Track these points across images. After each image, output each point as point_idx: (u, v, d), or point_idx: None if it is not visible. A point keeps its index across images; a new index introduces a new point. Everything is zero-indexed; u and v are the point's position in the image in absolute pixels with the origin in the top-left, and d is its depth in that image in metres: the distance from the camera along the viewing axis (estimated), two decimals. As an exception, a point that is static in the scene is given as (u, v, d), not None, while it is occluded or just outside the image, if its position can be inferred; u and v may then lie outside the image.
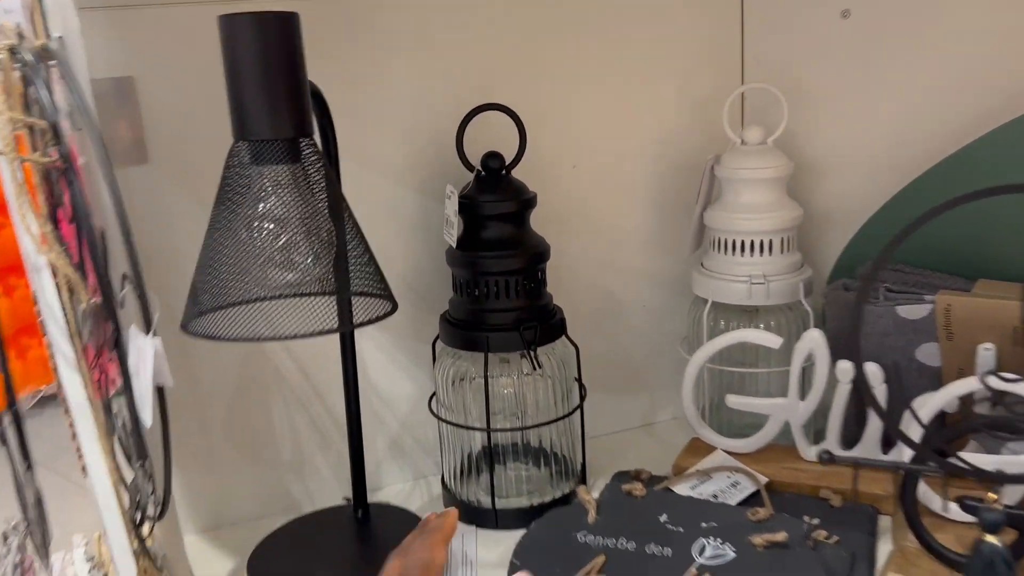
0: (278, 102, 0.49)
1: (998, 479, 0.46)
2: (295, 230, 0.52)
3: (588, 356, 0.78)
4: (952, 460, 0.47)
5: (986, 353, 0.61)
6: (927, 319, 0.64)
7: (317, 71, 0.59)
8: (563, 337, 0.71)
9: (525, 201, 0.67)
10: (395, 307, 0.55)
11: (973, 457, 0.57)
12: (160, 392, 0.47)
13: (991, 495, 0.43)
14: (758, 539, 0.58)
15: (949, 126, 0.70)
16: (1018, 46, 0.66)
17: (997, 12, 0.67)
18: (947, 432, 0.55)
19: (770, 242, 0.74)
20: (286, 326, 0.50)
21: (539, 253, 0.68)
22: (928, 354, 0.65)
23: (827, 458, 0.52)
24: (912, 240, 0.71)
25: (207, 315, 0.51)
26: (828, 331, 0.70)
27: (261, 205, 0.51)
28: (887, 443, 0.66)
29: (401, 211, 0.72)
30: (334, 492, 0.73)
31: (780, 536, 0.58)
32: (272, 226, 0.52)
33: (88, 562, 0.65)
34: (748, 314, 0.76)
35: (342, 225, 0.54)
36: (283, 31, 0.48)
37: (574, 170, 0.78)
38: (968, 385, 0.58)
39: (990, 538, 0.42)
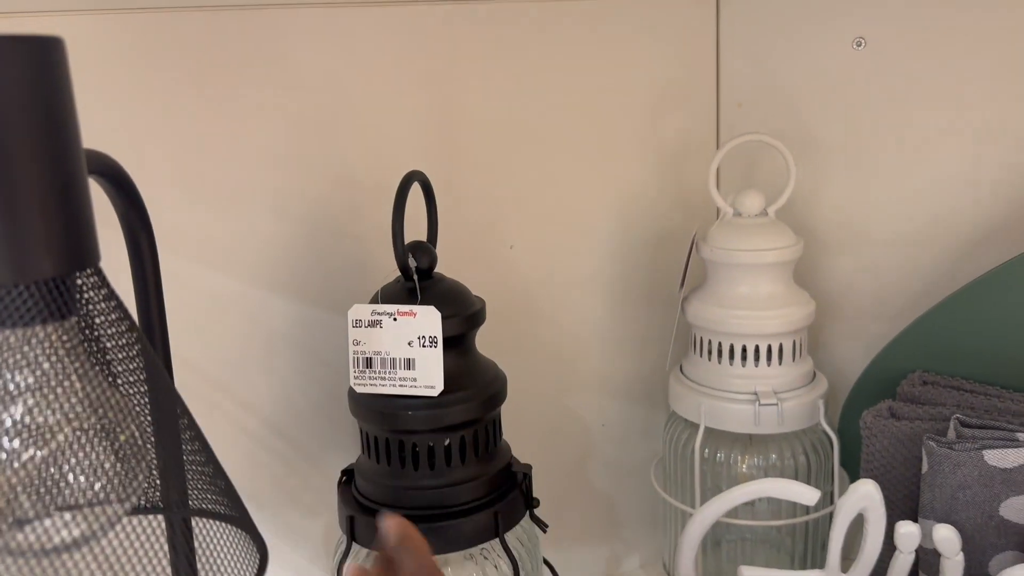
0: (22, 213, 0.24)
1: None
2: (70, 432, 0.27)
3: (538, 493, 0.57)
4: None
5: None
6: (1017, 470, 0.46)
7: (129, 124, 0.35)
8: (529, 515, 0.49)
9: (471, 316, 0.45)
10: (264, 557, 0.31)
11: None
12: None
13: None
14: None
15: (1000, 191, 0.54)
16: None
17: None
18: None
19: (780, 347, 0.55)
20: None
21: (494, 395, 0.46)
22: (1017, 510, 0.48)
23: None
24: (971, 345, 0.54)
25: None
26: (867, 474, 0.52)
27: (6, 412, 0.26)
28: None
29: (267, 330, 0.49)
30: None
31: None
32: (25, 435, 0.27)
33: None
34: (742, 440, 0.57)
35: (169, 409, 0.30)
36: (32, 71, 0.24)
37: (511, 251, 0.57)
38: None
39: None
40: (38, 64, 0.25)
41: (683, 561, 0.53)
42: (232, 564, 0.31)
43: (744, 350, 0.55)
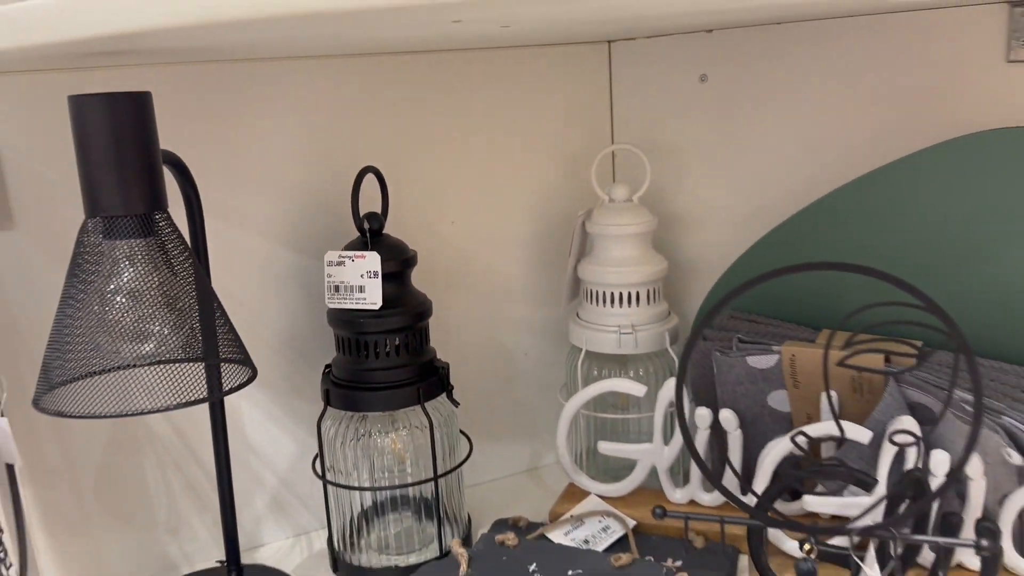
0: (129, 179, 0.50)
1: (808, 530, 0.50)
2: (150, 302, 0.52)
3: (475, 403, 0.81)
4: (773, 512, 0.51)
5: (827, 402, 0.65)
6: (775, 368, 0.68)
7: (193, 134, 0.60)
8: (445, 395, 0.73)
9: (405, 260, 0.69)
10: (254, 373, 0.56)
11: (819, 500, 0.61)
12: (9, 469, 0.47)
13: (806, 546, 0.46)
14: (617, 586, 0.61)
15: (795, 187, 0.75)
16: (850, 118, 0.71)
17: (835, 84, 0.72)
18: (778, 485, 0.59)
19: (637, 294, 0.77)
20: (140, 399, 0.50)
21: (421, 312, 0.70)
22: (779, 400, 0.69)
23: (660, 514, 0.55)
24: (764, 292, 0.75)
25: (59, 389, 0.51)
26: (690, 379, 0.74)
27: (115, 279, 0.51)
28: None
29: (277, 271, 0.73)
30: (211, 553, 0.73)
31: (637, 582, 0.60)
32: (125, 300, 0.52)
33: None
34: (619, 362, 0.80)
35: (204, 295, 0.55)
36: (134, 110, 0.49)
37: (453, 226, 0.81)
38: (781, 449, 0.63)
39: (804, 583, 0.45)
40: (141, 105, 0.50)
41: (559, 435, 0.76)
42: (234, 380, 0.56)
43: (613, 296, 0.78)
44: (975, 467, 0.58)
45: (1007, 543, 0.58)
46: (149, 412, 0.49)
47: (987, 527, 0.52)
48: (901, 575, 0.52)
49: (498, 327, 0.85)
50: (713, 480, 0.52)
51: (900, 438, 0.58)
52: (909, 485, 0.53)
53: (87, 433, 0.68)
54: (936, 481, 0.59)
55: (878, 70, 0.69)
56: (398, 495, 0.76)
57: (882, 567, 0.55)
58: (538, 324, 0.86)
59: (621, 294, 0.77)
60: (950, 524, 0.58)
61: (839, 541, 0.60)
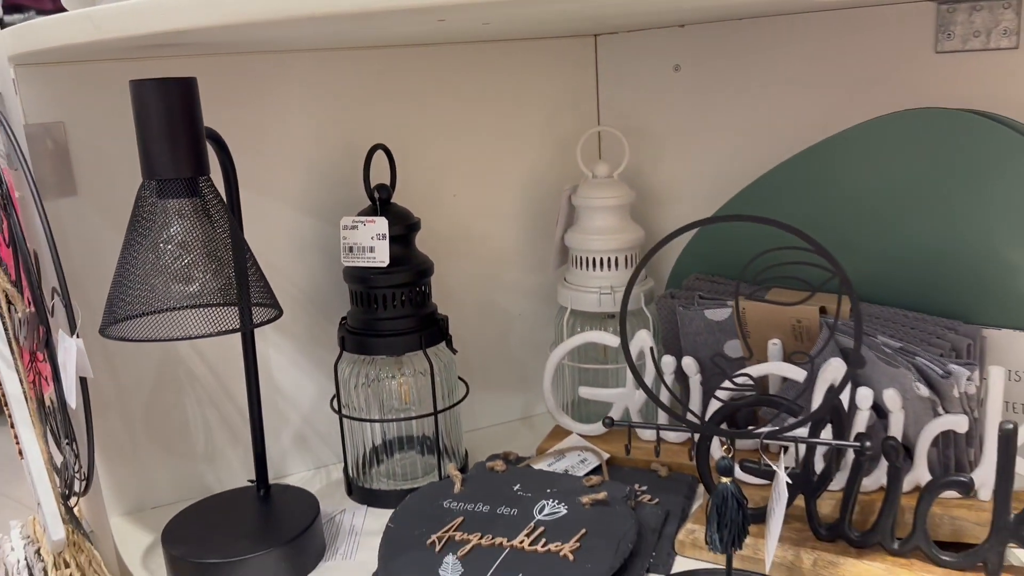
0: (178, 148, 0.61)
1: (725, 433, 0.60)
2: (195, 252, 0.63)
3: (474, 358, 0.91)
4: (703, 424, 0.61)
5: (773, 347, 0.75)
6: (728, 320, 0.78)
7: (228, 115, 0.71)
8: (445, 344, 0.83)
9: (410, 225, 0.80)
10: (280, 313, 0.66)
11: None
12: (83, 382, 0.59)
13: (725, 449, 0.56)
14: (586, 499, 0.71)
15: (754, 163, 0.85)
16: (801, 102, 0.81)
17: (789, 72, 0.82)
18: (721, 411, 0.68)
19: (616, 259, 0.87)
20: (189, 329, 0.61)
21: (424, 270, 0.80)
22: (733, 348, 0.79)
23: (608, 423, 0.65)
24: (723, 258, 0.85)
25: (122, 323, 0.62)
26: (660, 332, 0.84)
27: (165, 232, 0.62)
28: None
29: (300, 235, 0.84)
30: (243, 480, 0.84)
31: (602, 496, 0.71)
32: (174, 249, 0.63)
33: (24, 539, 0.75)
34: (601, 319, 0.90)
35: (239, 247, 0.66)
36: (182, 92, 0.60)
37: (455, 199, 0.91)
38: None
39: (724, 479, 0.55)
40: (188, 88, 0.61)
41: (545, 380, 0.86)
42: (262, 318, 0.67)
43: (595, 261, 0.88)
44: (893, 400, 0.68)
45: (922, 464, 0.68)
46: (193, 337, 0.60)
47: (891, 445, 0.62)
48: (806, 482, 0.62)
49: (494, 289, 0.95)
50: (654, 399, 0.62)
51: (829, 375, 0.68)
52: (830, 411, 0.63)
53: (136, 373, 0.80)
54: (862, 413, 0.69)
55: (825, 60, 0.79)
56: (404, 435, 0.87)
57: (806, 483, 0.65)
58: (530, 287, 0.97)
59: (602, 259, 0.87)
60: (889, 448, 0.67)
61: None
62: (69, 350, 0.57)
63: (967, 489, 0.61)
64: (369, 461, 0.85)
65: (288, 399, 0.87)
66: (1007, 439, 0.58)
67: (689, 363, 0.79)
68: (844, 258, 0.74)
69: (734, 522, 0.54)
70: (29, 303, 0.62)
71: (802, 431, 0.59)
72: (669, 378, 0.80)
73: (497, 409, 0.98)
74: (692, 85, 0.89)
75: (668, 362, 0.80)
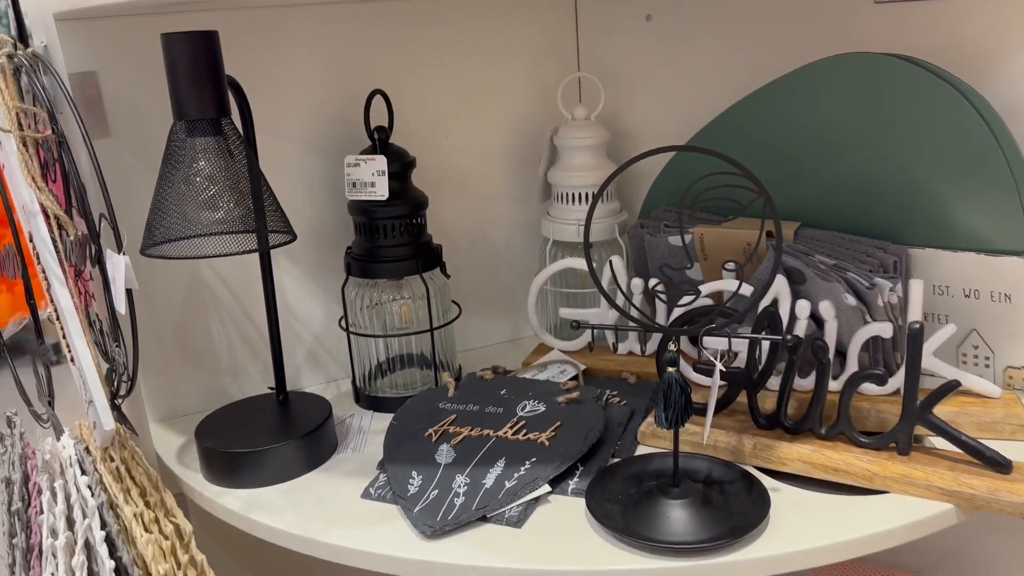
0: (204, 92, 0.70)
1: (669, 331, 0.70)
2: (220, 184, 0.73)
3: (467, 285, 1.01)
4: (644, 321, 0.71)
5: (728, 269, 0.85)
6: (690, 245, 0.88)
7: (244, 64, 0.80)
8: (439, 269, 0.93)
9: (406, 163, 0.90)
10: (294, 237, 0.76)
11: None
12: (129, 293, 0.69)
13: (672, 346, 0.67)
14: (562, 398, 0.82)
15: (716, 104, 0.94)
16: (757, 49, 0.90)
17: (746, 22, 0.90)
18: (687, 320, 0.79)
19: (593, 194, 0.97)
20: (216, 250, 0.72)
21: (419, 203, 0.90)
22: (695, 271, 0.89)
23: (575, 326, 0.76)
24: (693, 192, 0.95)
25: (160, 245, 0.72)
26: (632, 258, 0.94)
27: (195, 165, 0.72)
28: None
29: (308, 173, 0.94)
30: (263, 390, 0.95)
31: (576, 396, 0.82)
32: (202, 181, 0.73)
33: (74, 440, 0.86)
34: (580, 248, 1.00)
35: (256, 180, 0.76)
36: (207, 43, 0.69)
37: (447, 140, 1.01)
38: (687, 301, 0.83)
39: (671, 369, 0.65)
40: (211, 39, 0.70)
41: (529, 301, 0.97)
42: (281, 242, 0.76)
43: (574, 195, 0.98)
44: (827, 310, 0.78)
45: (853, 366, 0.78)
46: (220, 255, 0.70)
47: (819, 345, 0.72)
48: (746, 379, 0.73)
49: (484, 223, 1.05)
50: (619, 309, 0.72)
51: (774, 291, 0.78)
52: (766, 318, 0.73)
53: (166, 297, 0.90)
54: (800, 322, 0.79)
55: (778, 10, 0.88)
56: (404, 352, 0.97)
57: (747, 380, 0.76)
58: (516, 221, 1.06)
59: (581, 194, 0.97)
60: (817, 347, 0.77)
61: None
62: (117, 265, 0.67)
63: (881, 380, 0.71)
64: (374, 375, 0.96)
65: (301, 320, 0.97)
66: (915, 336, 0.68)
67: (658, 287, 0.89)
68: (790, 187, 0.84)
69: (678, 403, 0.65)
70: (80, 227, 0.72)
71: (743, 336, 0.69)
72: (638, 299, 0.91)
73: (488, 331, 1.09)
74: (661, 34, 0.98)
75: (637, 284, 0.90)
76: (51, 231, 0.74)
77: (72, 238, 0.71)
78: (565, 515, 0.70)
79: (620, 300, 0.88)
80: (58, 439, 0.80)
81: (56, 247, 0.74)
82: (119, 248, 0.67)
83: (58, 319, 0.77)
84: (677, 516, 0.66)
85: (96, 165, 0.67)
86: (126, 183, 0.85)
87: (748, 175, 0.60)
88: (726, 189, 0.63)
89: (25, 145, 0.72)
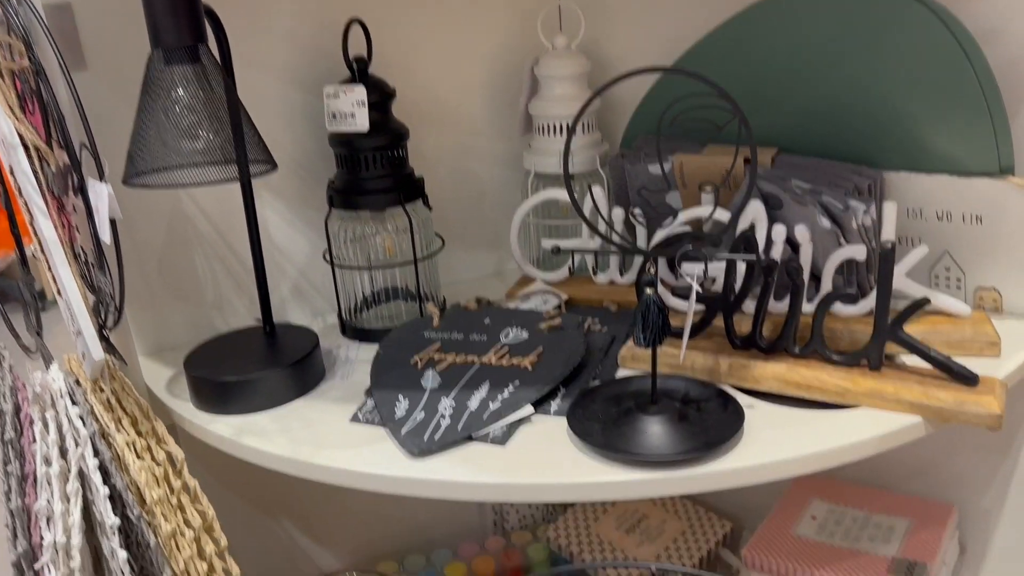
0: (181, 20, 0.69)
1: (647, 253, 0.71)
2: (199, 113, 0.73)
3: (451, 219, 1.02)
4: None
5: (706, 195, 0.86)
6: (669, 175, 0.89)
7: None
8: (421, 202, 0.94)
9: (386, 93, 0.89)
10: (275, 166, 0.77)
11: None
12: (113, 224, 0.69)
13: (650, 268, 0.68)
14: (544, 325, 0.84)
15: (695, 32, 0.94)
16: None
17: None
18: (665, 244, 0.80)
19: (572, 124, 0.97)
20: (198, 179, 0.72)
21: (400, 134, 0.90)
22: (674, 199, 0.90)
23: (555, 251, 0.77)
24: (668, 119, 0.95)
25: (141, 176, 0.72)
26: (613, 189, 0.95)
27: (172, 94, 0.72)
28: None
29: (288, 105, 0.94)
30: (250, 323, 0.96)
31: (557, 322, 0.83)
32: (181, 110, 0.73)
33: (64, 372, 0.87)
34: (562, 180, 1.00)
35: (235, 108, 0.76)
36: (182, -31, 0.69)
37: (427, 71, 1.00)
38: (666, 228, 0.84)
39: (649, 290, 0.67)
40: (185, -35, 0.69)
41: (512, 233, 0.98)
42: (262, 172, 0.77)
43: (555, 126, 0.98)
44: (803, 234, 0.79)
45: (827, 288, 0.80)
46: (202, 184, 0.70)
47: (793, 266, 0.74)
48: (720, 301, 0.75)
49: (466, 157, 1.05)
50: (599, 234, 0.73)
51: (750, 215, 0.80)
52: (742, 241, 0.75)
53: (149, 231, 0.90)
54: (776, 246, 0.80)
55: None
56: (389, 286, 0.98)
57: (725, 302, 0.77)
58: (499, 154, 1.07)
59: (562, 124, 0.97)
60: (791, 269, 0.78)
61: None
62: (100, 194, 0.67)
63: (853, 299, 0.73)
64: (359, 308, 0.97)
65: (285, 254, 0.98)
66: (887, 255, 0.70)
67: (636, 213, 0.90)
68: (768, 114, 0.85)
69: (655, 324, 0.66)
70: (61, 157, 0.72)
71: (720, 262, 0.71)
72: (620, 225, 0.92)
73: (472, 265, 1.10)
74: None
75: (618, 214, 0.91)
76: (32, 163, 0.74)
77: (54, 169, 0.71)
78: (548, 434, 0.72)
79: (602, 227, 0.89)
80: (47, 369, 0.81)
81: (37, 179, 0.73)
82: (101, 177, 0.67)
83: (43, 252, 0.77)
84: (655, 431, 0.68)
85: (75, 94, 0.67)
86: (105, 116, 0.85)
87: (723, 95, 0.61)
88: (704, 111, 0.64)
89: (1, 76, 0.72)
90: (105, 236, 0.68)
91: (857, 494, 0.97)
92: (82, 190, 0.67)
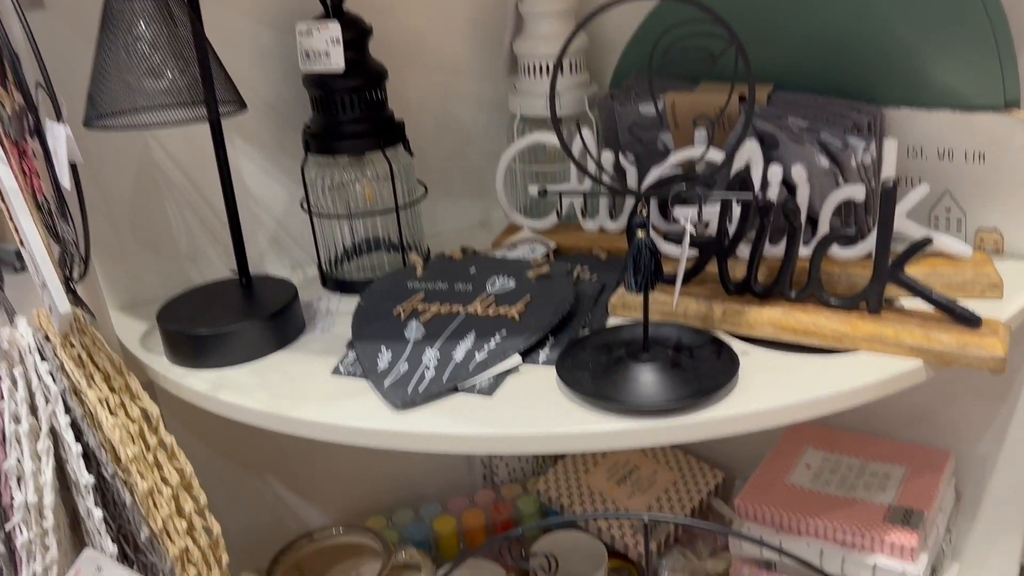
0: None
1: (639, 193, 0.68)
2: (163, 50, 0.69)
3: (435, 166, 0.98)
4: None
5: (700, 131, 0.83)
6: (661, 111, 0.85)
7: None
8: (402, 147, 0.90)
9: (362, 30, 0.85)
10: (244, 106, 0.73)
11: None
12: (74, 169, 0.65)
13: (642, 210, 0.65)
14: (532, 273, 0.81)
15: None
16: None
17: None
18: (657, 185, 0.77)
19: (559, 64, 0.93)
20: (163, 120, 0.68)
21: (378, 74, 0.86)
22: (667, 139, 0.87)
23: (542, 193, 0.74)
24: (658, 57, 0.91)
25: (103, 118, 0.68)
26: (602, 131, 0.92)
27: (134, 31, 0.68)
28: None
29: (259, 45, 0.89)
30: (225, 274, 0.93)
31: (546, 270, 0.80)
32: (144, 47, 0.69)
33: (32, 328, 0.84)
34: (548, 124, 0.96)
35: (201, 45, 0.71)
36: None
37: (406, 9, 0.96)
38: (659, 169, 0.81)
39: (640, 233, 0.64)
40: None
41: (498, 179, 0.94)
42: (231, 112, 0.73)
43: (542, 66, 0.94)
44: (800, 175, 0.76)
45: (824, 229, 0.77)
46: (168, 125, 0.66)
47: (790, 208, 0.71)
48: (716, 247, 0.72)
49: (449, 100, 1.01)
50: (581, 168, 0.70)
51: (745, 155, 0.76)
52: (737, 182, 0.72)
53: (117, 180, 0.86)
54: (772, 187, 0.77)
55: None
56: (371, 236, 0.95)
57: (719, 246, 0.74)
58: (484, 98, 1.02)
59: (548, 64, 0.93)
60: (788, 211, 0.75)
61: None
62: (58, 137, 0.63)
63: (851, 241, 0.70)
64: (340, 260, 0.94)
65: (261, 204, 0.94)
66: (888, 193, 0.67)
67: (608, 156, 0.86)
68: (764, 47, 0.81)
69: (647, 267, 0.63)
70: (15, 98, 0.67)
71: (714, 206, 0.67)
72: (609, 167, 0.88)
73: (457, 215, 1.06)
74: None
75: (607, 157, 0.88)
76: (-15, 105, 0.69)
77: (8, 112, 0.67)
78: (536, 384, 0.69)
79: (591, 168, 0.86)
80: (11, 321, 0.78)
81: (-8, 122, 0.69)
82: (58, 118, 0.63)
83: (2, 200, 0.73)
84: (647, 379, 0.65)
85: (29, 32, 0.62)
86: (64, 57, 0.80)
87: (718, 20, 0.57)
88: (698, 39, 0.60)
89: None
90: (65, 181, 0.64)
91: (852, 442, 0.95)
92: (39, 132, 0.63)
